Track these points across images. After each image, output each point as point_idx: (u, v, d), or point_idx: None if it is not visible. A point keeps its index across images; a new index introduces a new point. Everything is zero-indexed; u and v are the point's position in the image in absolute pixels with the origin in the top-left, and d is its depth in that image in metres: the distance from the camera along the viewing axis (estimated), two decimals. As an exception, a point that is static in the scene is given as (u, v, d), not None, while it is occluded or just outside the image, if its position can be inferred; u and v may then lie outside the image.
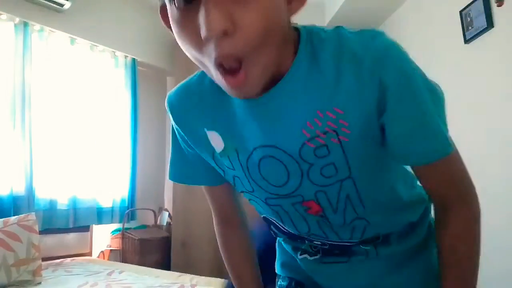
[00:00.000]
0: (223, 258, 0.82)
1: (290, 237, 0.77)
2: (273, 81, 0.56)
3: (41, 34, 2.60)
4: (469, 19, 2.12)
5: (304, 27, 0.58)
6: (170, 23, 0.51)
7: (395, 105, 0.54)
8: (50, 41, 2.67)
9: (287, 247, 0.83)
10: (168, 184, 3.44)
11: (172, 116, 0.69)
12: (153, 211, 3.21)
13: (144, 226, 3.08)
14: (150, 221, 3.23)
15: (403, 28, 2.88)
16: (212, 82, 0.60)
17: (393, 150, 0.58)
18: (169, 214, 3.22)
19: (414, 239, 0.73)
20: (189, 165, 0.73)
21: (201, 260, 2.77)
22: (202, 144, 0.67)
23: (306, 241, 0.75)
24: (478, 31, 2.05)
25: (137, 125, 3.18)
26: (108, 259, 2.80)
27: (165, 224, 3.19)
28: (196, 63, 0.52)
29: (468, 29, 2.13)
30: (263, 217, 0.76)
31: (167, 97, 0.69)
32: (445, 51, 2.38)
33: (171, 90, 0.70)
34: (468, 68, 2.17)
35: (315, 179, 0.60)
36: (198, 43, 0.47)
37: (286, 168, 0.60)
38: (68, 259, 2.48)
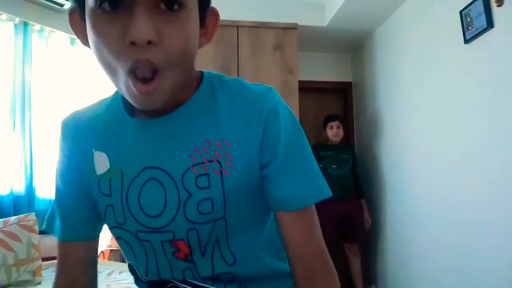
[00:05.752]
0: None
1: (151, 285, 0.69)
2: (171, 107, 0.60)
3: (41, 34, 2.60)
4: (469, 19, 2.12)
5: (207, 71, 0.66)
6: (88, 26, 0.51)
7: (277, 153, 0.59)
8: (50, 41, 2.67)
9: None
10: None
11: (64, 138, 0.68)
12: (153, 211, 3.20)
13: (144, 226, 3.08)
14: (150, 221, 3.22)
15: (403, 28, 2.88)
16: (107, 105, 0.67)
17: (273, 193, 0.61)
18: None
19: None
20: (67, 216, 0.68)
21: (201, 260, 2.76)
22: (85, 166, 0.65)
23: None
24: (478, 31, 2.05)
25: (137, 125, 3.17)
26: (108, 259, 2.80)
27: (165, 224, 3.19)
28: (106, 70, 0.52)
29: (468, 29, 2.13)
30: (129, 265, 0.72)
31: (61, 123, 0.69)
32: (445, 51, 2.38)
33: (67, 116, 0.70)
34: (468, 68, 2.17)
35: (190, 214, 0.59)
36: (117, 49, 0.48)
37: (165, 196, 0.60)
38: (68, 259, 2.48)
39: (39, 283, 1.95)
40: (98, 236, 0.71)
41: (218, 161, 0.59)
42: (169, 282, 0.67)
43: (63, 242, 0.68)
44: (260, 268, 0.67)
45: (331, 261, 0.62)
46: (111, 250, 2.86)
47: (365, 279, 3.23)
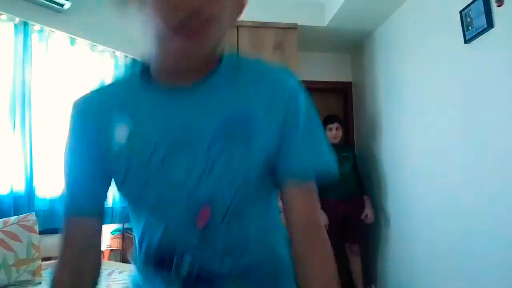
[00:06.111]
0: None
1: (157, 259, 0.68)
2: (196, 78, 0.62)
3: (41, 34, 2.60)
4: (469, 19, 2.12)
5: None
6: None
7: (295, 129, 0.63)
8: (50, 41, 2.66)
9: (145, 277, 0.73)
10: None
11: (76, 116, 0.68)
12: (153, 211, 3.20)
13: (144, 226, 3.08)
14: (150, 221, 3.22)
15: (403, 28, 2.88)
16: (123, 81, 0.68)
17: (282, 162, 0.63)
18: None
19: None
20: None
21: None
22: (103, 138, 0.65)
23: (173, 267, 0.67)
24: (478, 31, 2.05)
25: (137, 125, 3.17)
26: (108, 259, 2.80)
27: (165, 224, 3.19)
28: (151, 29, 0.58)
29: (468, 29, 2.13)
30: (133, 252, 0.73)
31: (73, 105, 0.69)
32: (445, 51, 2.38)
33: (78, 97, 0.69)
34: (468, 68, 2.17)
35: (211, 185, 0.61)
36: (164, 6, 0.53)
37: (188, 165, 0.61)
38: (68, 259, 2.48)
39: (39, 283, 1.95)
40: (102, 213, 0.70)
41: (242, 132, 0.61)
42: (173, 262, 0.66)
43: (69, 219, 0.67)
44: (267, 253, 0.70)
45: (327, 236, 0.64)
46: (111, 250, 2.86)
47: (365, 279, 3.23)
